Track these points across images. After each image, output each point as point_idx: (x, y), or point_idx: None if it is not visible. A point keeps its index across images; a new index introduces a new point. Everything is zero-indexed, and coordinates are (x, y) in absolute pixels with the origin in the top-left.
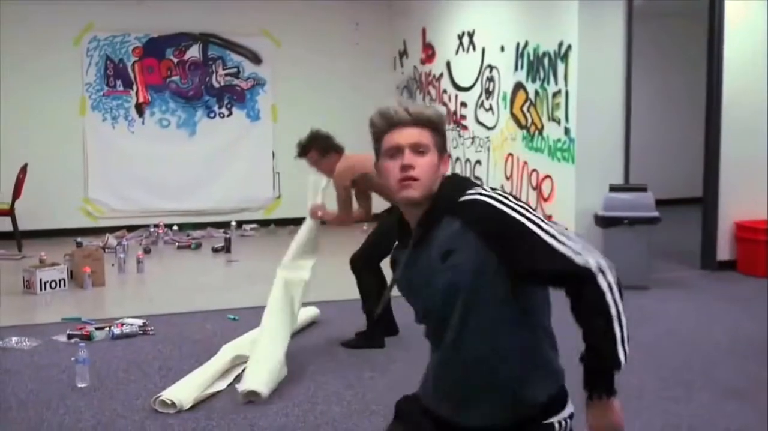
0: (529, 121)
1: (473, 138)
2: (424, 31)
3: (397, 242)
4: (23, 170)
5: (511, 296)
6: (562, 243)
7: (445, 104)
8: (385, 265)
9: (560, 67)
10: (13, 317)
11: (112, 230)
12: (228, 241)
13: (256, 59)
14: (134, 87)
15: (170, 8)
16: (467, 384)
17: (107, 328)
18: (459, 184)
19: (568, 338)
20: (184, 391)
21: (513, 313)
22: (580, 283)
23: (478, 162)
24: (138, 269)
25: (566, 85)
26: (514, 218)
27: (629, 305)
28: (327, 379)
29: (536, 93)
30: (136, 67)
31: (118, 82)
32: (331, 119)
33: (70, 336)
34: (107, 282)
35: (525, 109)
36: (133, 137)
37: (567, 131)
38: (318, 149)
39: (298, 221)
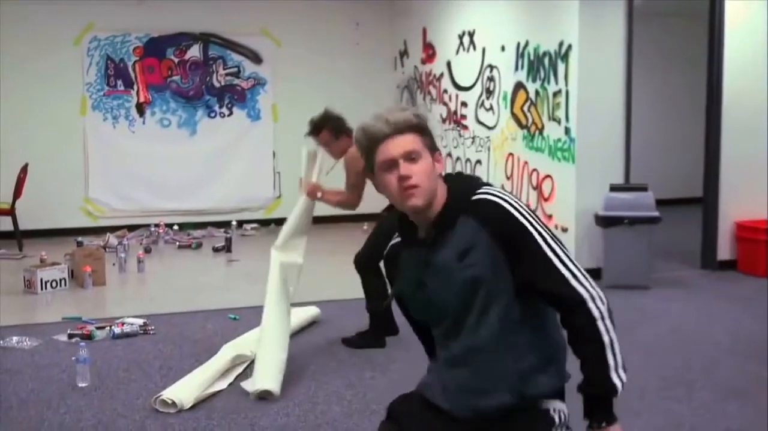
0: (530, 120)
1: (473, 138)
2: (424, 31)
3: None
4: (24, 169)
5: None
6: (564, 264)
7: (445, 104)
8: None
9: (560, 66)
10: (14, 317)
11: (112, 229)
12: (228, 241)
13: (256, 59)
14: (135, 87)
15: (171, 8)
16: (478, 376)
17: (108, 328)
18: (468, 182)
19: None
20: (184, 391)
21: (529, 305)
22: (573, 305)
23: (479, 162)
24: (138, 268)
25: (566, 84)
26: (522, 224)
27: (630, 305)
28: (328, 379)
29: (536, 93)
30: (136, 66)
31: (119, 82)
32: None
33: (70, 336)
34: (108, 282)
35: (525, 108)
36: (133, 136)
37: (567, 131)
38: (331, 129)
39: None
